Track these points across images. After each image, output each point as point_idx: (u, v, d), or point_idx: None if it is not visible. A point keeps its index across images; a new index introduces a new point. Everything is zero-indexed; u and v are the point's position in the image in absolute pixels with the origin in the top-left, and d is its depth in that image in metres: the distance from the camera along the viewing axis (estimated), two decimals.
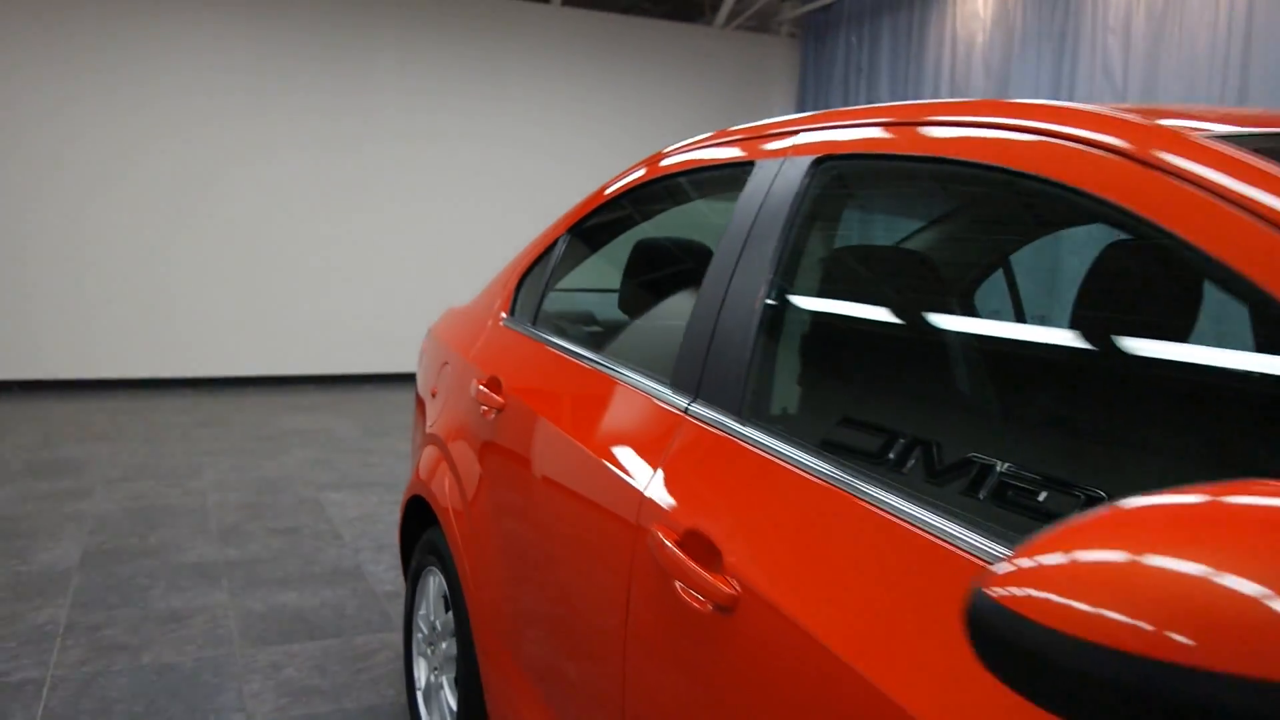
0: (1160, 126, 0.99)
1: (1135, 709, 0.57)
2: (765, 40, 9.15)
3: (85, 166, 7.06)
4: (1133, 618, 0.57)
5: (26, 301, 7.03)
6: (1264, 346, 0.83)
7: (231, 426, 6.33)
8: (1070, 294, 1.04)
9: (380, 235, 7.95)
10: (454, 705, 2.18)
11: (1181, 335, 0.98)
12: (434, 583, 2.35)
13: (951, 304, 1.36)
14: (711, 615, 1.19)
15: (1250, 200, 0.84)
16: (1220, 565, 0.55)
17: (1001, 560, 0.66)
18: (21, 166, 6.89)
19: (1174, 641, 0.55)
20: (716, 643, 1.17)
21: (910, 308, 1.29)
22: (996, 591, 0.63)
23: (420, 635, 2.46)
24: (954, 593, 0.91)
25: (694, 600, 1.21)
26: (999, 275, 1.47)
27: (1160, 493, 0.62)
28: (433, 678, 2.37)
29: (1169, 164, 0.93)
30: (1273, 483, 0.60)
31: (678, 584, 1.25)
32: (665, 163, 1.88)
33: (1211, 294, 0.92)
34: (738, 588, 1.15)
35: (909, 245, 1.54)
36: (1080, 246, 1.06)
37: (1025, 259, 1.39)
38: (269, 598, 3.47)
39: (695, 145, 1.81)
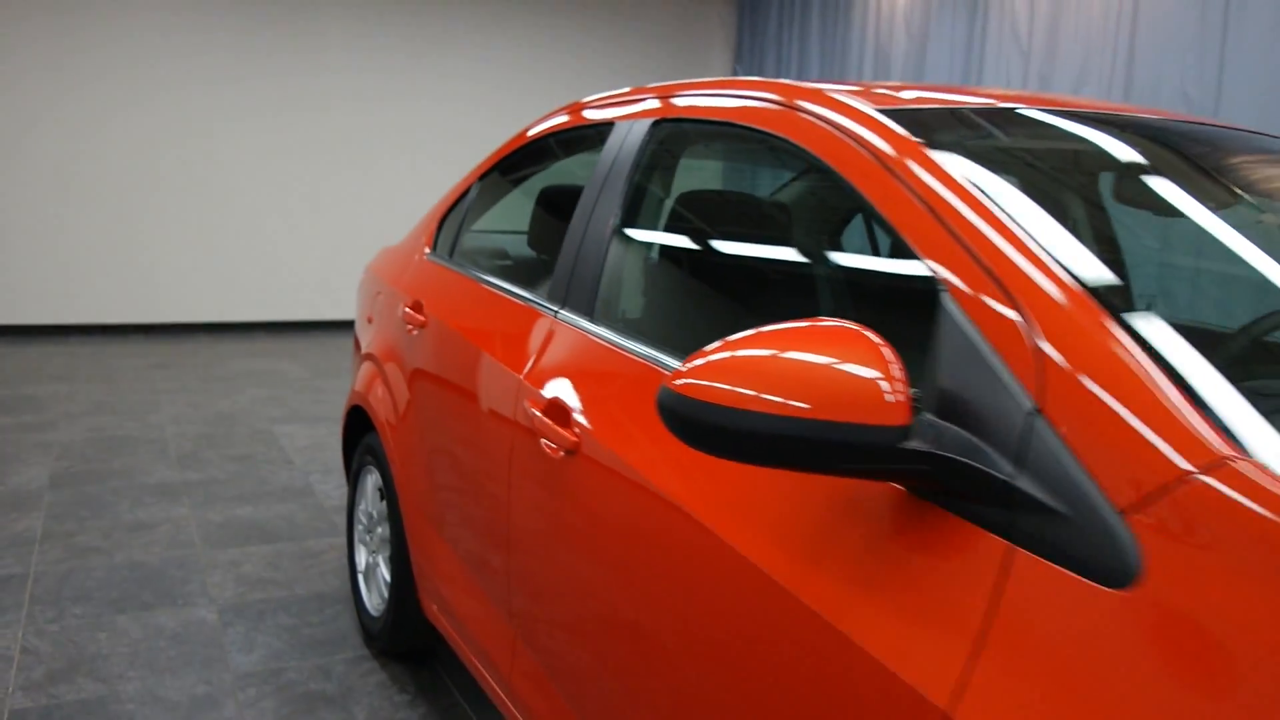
0: (808, 88, 1.43)
1: (774, 449, 0.99)
2: None
3: (50, 124, 7.22)
4: (764, 392, 0.99)
5: None
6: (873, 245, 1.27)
7: (185, 369, 6.64)
8: (781, 218, 1.47)
9: (329, 188, 8.21)
10: (388, 577, 2.61)
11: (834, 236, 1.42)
12: (371, 480, 2.76)
13: (731, 232, 1.79)
14: (562, 459, 1.62)
15: (849, 130, 1.28)
16: (829, 354, 0.98)
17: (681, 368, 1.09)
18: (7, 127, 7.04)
19: (793, 405, 0.97)
20: (566, 479, 1.61)
21: (705, 236, 1.72)
22: (677, 384, 1.06)
23: (360, 526, 2.88)
24: None
25: (550, 450, 1.65)
26: (752, 205, 1.90)
27: (780, 324, 1.05)
28: (370, 559, 2.80)
29: (807, 109, 1.37)
30: (836, 321, 1.04)
31: (542, 440, 1.69)
32: (553, 122, 2.28)
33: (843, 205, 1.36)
34: (579, 435, 1.58)
35: (706, 188, 1.96)
36: (780, 179, 1.50)
37: (761, 191, 1.82)
38: (226, 511, 3.86)
39: (575, 108, 2.22)
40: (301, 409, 5.64)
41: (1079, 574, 0.86)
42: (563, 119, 2.23)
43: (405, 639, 2.59)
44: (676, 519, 1.31)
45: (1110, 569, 0.84)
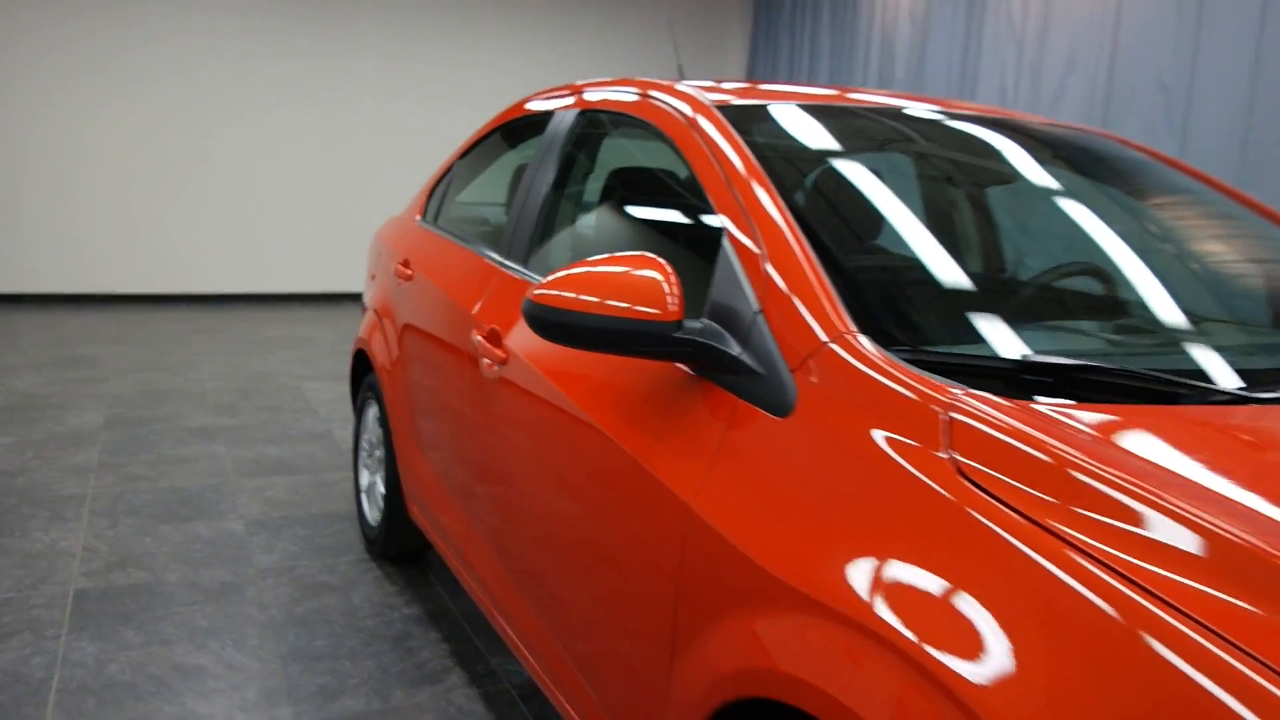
0: (664, 84, 1.90)
1: (595, 337, 1.46)
2: None
3: (107, 105, 7.85)
4: (593, 293, 1.46)
5: (38, 222, 7.88)
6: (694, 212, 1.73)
7: (224, 334, 7.24)
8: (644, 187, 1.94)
9: (363, 169, 8.77)
10: (383, 490, 3.13)
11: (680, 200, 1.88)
12: (371, 412, 3.28)
13: (623, 196, 2.24)
14: (496, 374, 2.11)
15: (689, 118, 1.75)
16: (630, 270, 1.45)
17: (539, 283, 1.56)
18: (40, 92, 7.68)
19: (606, 304, 1.45)
20: (500, 389, 2.10)
21: (607, 199, 2.20)
22: (534, 294, 1.54)
23: (364, 452, 3.41)
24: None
25: (487, 366, 2.14)
26: (634, 175, 2.34)
27: (603, 256, 1.53)
28: (370, 479, 3.32)
29: (660, 99, 1.84)
30: (639, 253, 1.51)
31: (482, 360, 2.18)
32: (517, 111, 2.77)
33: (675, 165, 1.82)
34: (508, 352, 2.07)
35: (609, 163, 2.41)
36: (653, 154, 1.97)
37: (642, 162, 2.27)
38: (256, 450, 4.42)
39: (530, 99, 2.70)
40: (328, 369, 6.20)
41: (766, 410, 1.34)
42: (522, 109, 2.72)
43: (396, 543, 3.11)
44: (560, 402, 1.80)
45: (781, 405, 1.32)
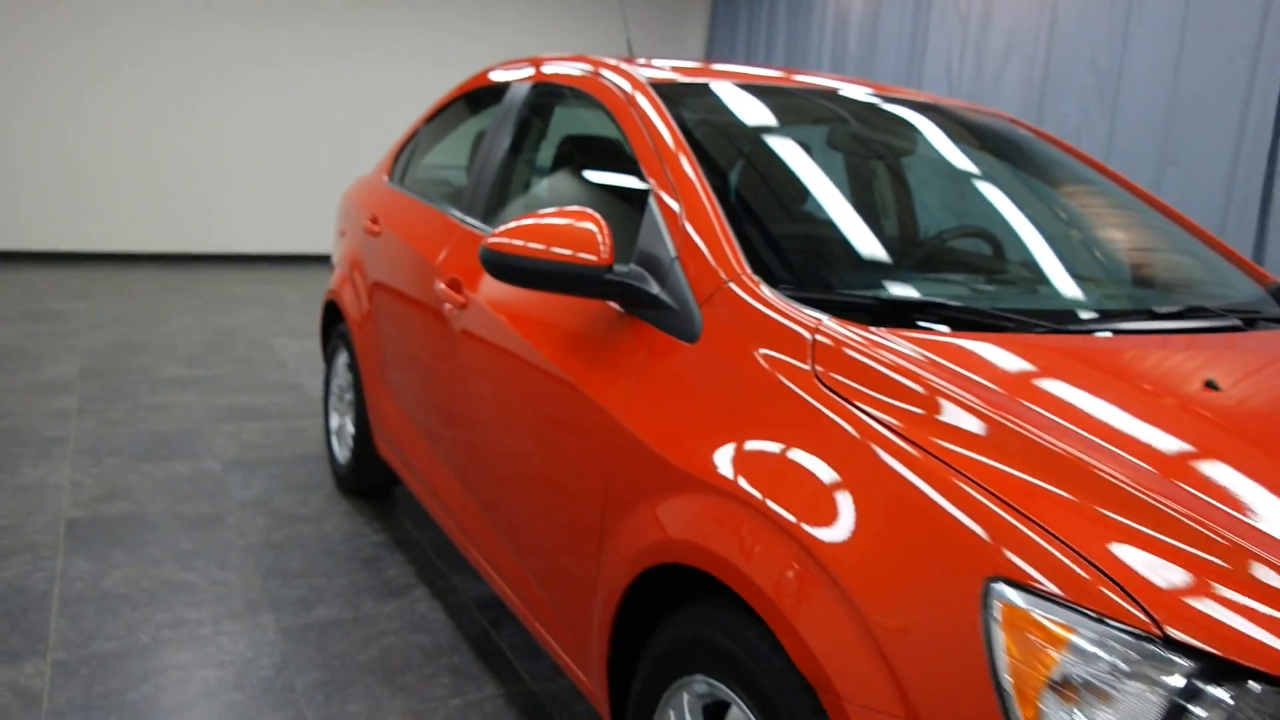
0: (610, 63, 2.17)
1: (540, 278, 1.74)
2: None
3: (71, 61, 7.91)
4: (538, 240, 1.74)
5: (6, 181, 7.95)
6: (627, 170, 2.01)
7: (192, 292, 7.40)
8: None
9: (330, 131, 8.90)
10: (352, 430, 3.40)
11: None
12: (341, 359, 3.54)
13: (569, 159, 2.51)
14: (456, 317, 2.39)
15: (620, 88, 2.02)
16: (570, 223, 1.73)
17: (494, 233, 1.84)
18: (11, 59, 7.72)
19: (549, 250, 1.73)
20: (460, 331, 2.38)
21: (558, 162, 2.47)
22: (489, 242, 1.81)
23: (334, 396, 3.67)
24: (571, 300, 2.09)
25: (449, 311, 2.42)
26: (580, 142, 2.61)
27: (547, 210, 1.81)
28: (340, 421, 3.59)
29: (605, 77, 2.11)
30: (577, 207, 1.79)
31: (445, 305, 2.45)
32: (477, 81, 3.02)
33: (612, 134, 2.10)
34: (467, 298, 2.35)
35: (558, 131, 2.67)
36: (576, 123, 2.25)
37: (566, 132, 2.54)
38: (228, 398, 4.65)
39: (490, 70, 2.95)
40: (296, 326, 6.41)
41: (679, 338, 1.63)
42: (483, 79, 2.98)
43: (365, 478, 3.38)
44: (511, 339, 2.08)
45: (690, 334, 1.61)
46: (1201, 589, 1.01)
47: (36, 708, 2.14)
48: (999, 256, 1.95)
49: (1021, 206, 2.12)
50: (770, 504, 1.31)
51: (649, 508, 1.55)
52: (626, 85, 2.14)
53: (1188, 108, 6.49)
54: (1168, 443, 1.22)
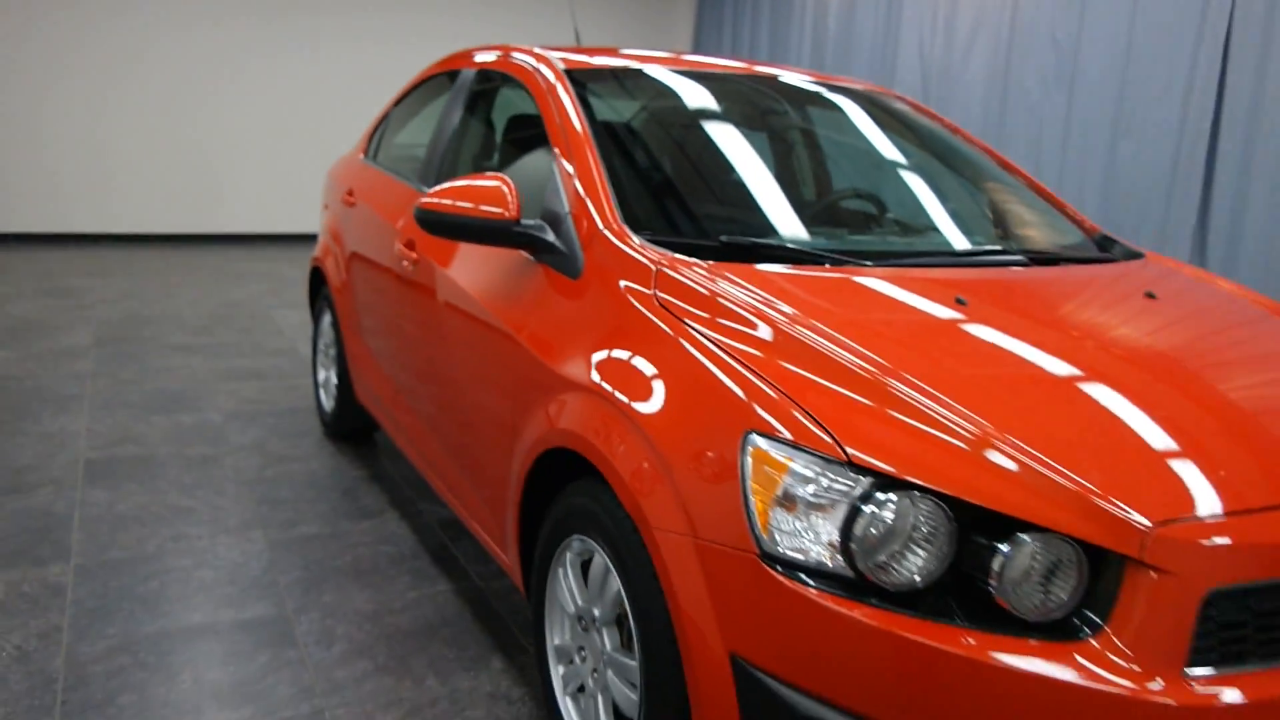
0: (510, 46, 2.57)
1: (464, 231, 2.14)
2: None
3: (81, 58, 8.32)
4: (462, 200, 2.14)
5: (18, 164, 8.39)
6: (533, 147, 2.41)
7: (198, 270, 7.84)
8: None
9: (331, 115, 9.31)
10: (335, 381, 3.82)
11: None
12: (326, 319, 3.96)
13: (507, 136, 2.90)
14: (412, 273, 2.79)
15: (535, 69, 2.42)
16: (486, 185, 2.13)
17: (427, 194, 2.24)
18: (25, 57, 8.15)
19: (468, 207, 2.13)
20: (415, 284, 2.78)
21: (494, 137, 2.86)
22: (422, 202, 2.22)
23: (320, 352, 4.09)
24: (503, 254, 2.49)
25: (405, 268, 2.82)
26: (509, 120, 2.99)
27: (470, 175, 2.20)
28: (325, 374, 4.01)
29: (522, 60, 2.51)
30: (492, 174, 2.19)
31: (404, 261, 2.86)
32: (438, 67, 3.42)
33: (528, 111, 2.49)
34: (420, 256, 2.75)
35: (494, 110, 3.05)
36: (508, 103, 2.64)
37: (502, 111, 2.92)
38: (231, 361, 5.09)
39: (445, 59, 3.35)
40: (295, 299, 6.84)
41: (567, 276, 2.04)
42: (438, 67, 3.37)
43: (347, 423, 3.81)
44: (449, 287, 2.49)
45: (575, 272, 2.02)
46: (880, 432, 1.41)
47: (62, 598, 2.57)
48: (836, 208, 2.36)
49: (875, 166, 2.51)
50: (616, 393, 1.72)
51: (542, 408, 1.95)
52: (545, 70, 2.53)
53: (1138, 81, 6.82)
54: (903, 340, 1.62)
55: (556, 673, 1.99)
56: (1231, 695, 1.30)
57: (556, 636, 1.98)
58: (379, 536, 3.07)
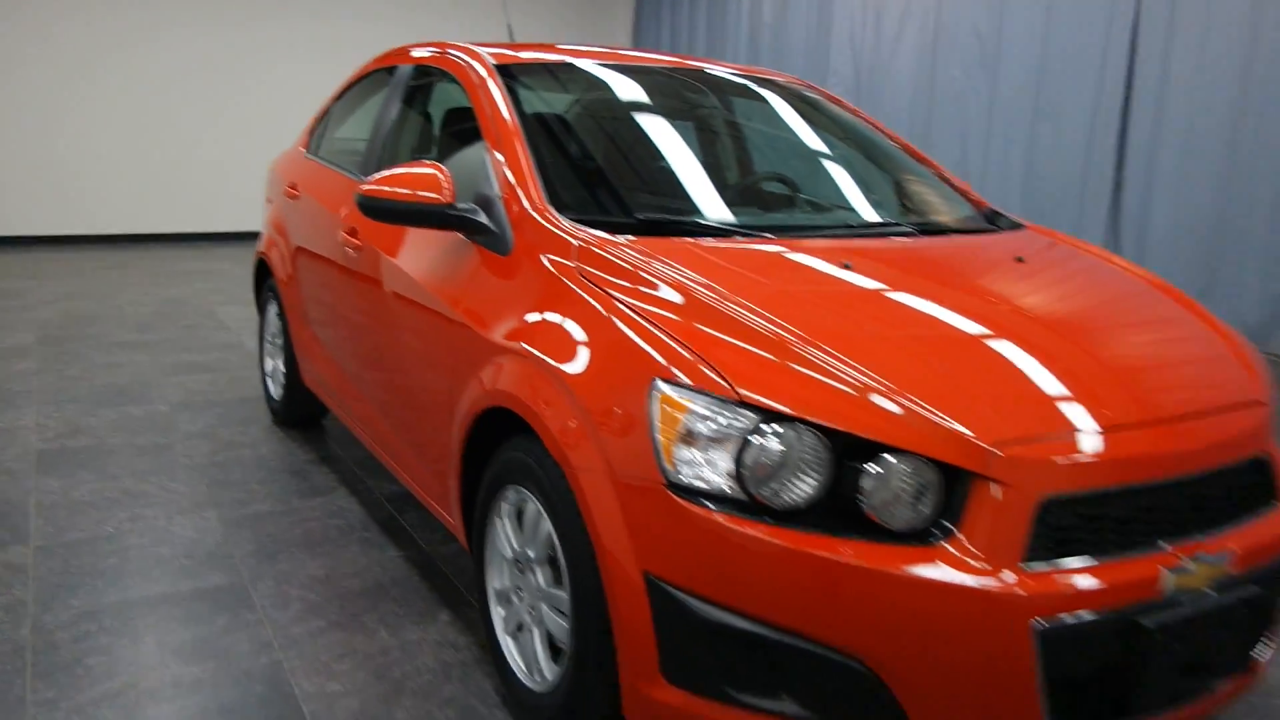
0: (445, 43, 2.76)
1: (403, 215, 2.31)
2: None
3: (16, 59, 8.25)
4: (400, 186, 2.32)
5: None
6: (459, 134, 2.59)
7: (138, 269, 7.84)
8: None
9: (269, 110, 9.33)
10: (283, 368, 3.96)
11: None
12: (272, 309, 4.09)
13: (442, 127, 3.07)
14: (355, 260, 2.95)
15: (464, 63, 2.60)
16: (422, 172, 2.30)
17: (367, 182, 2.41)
18: None
19: (406, 193, 2.31)
20: (359, 269, 2.94)
21: (424, 129, 3.03)
22: (362, 189, 2.38)
23: (267, 341, 4.22)
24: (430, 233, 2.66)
25: (349, 254, 2.98)
26: (444, 112, 3.16)
27: (407, 163, 2.38)
28: (272, 363, 4.14)
29: (456, 55, 2.69)
30: (429, 161, 2.37)
31: (347, 248, 3.02)
32: (379, 64, 3.57)
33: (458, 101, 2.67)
34: (362, 243, 2.91)
35: (429, 103, 3.22)
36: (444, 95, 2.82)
37: (438, 104, 3.10)
38: (176, 356, 5.17)
39: (383, 55, 3.50)
40: (238, 295, 6.90)
41: (498, 254, 2.22)
42: (376, 63, 3.53)
43: (295, 409, 3.94)
44: (391, 270, 2.66)
45: (505, 250, 2.21)
46: (767, 375, 1.63)
47: (24, 575, 2.70)
48: (745, 188, 2.59)
49: (786, 151, 2.74)
50: (543, 356, 1.91)
51: (476, 373, 2.14)
52: (476, 65, 2.71)
53: (1055, 68, 7.17)
54: (793, 299, 1.85)
55: (498, 615, 2.18)
56: (1059, 582, 1.54)
57: (496, 581, 2.17)
58: (329, 511, 3.22)
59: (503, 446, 2.09)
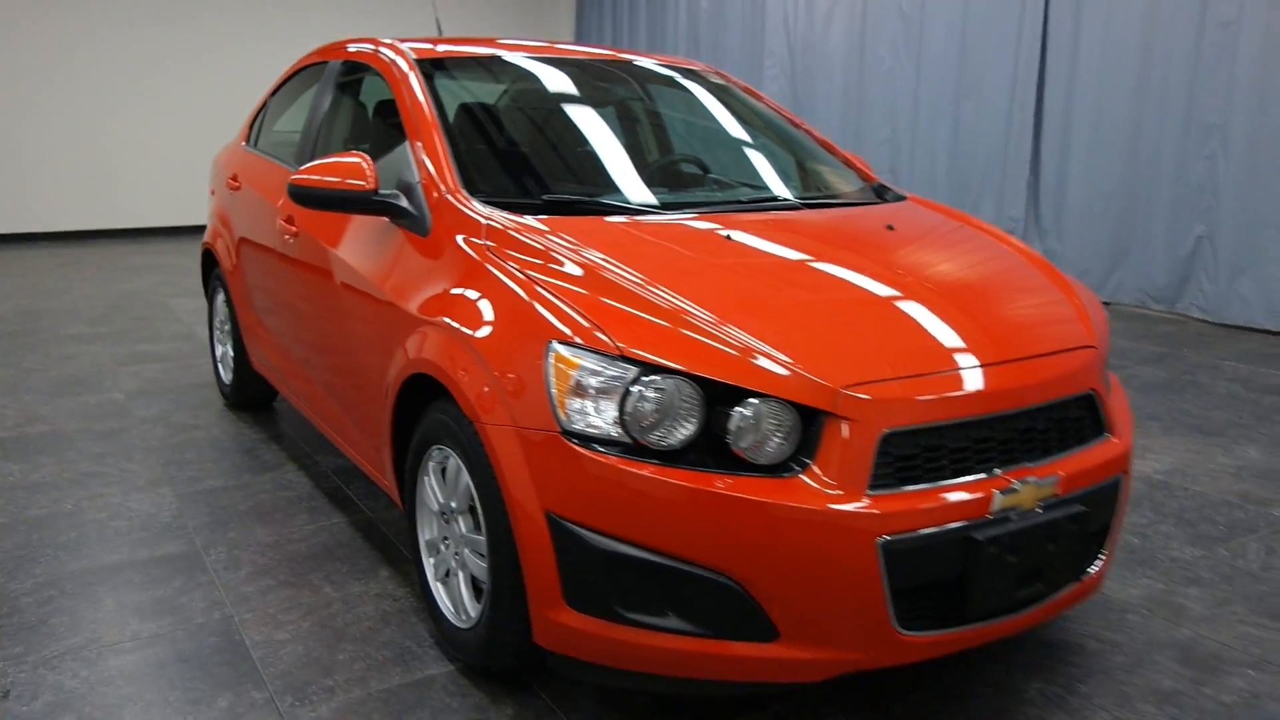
0: (374, 40, 2.95)
1: (331, 201, 2.51)
2: None
3: None
4: (328, 175, 2.51)
5: None
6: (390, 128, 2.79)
7: (89, 264, 7.91)
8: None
9: (218, 110, 9.38)
10: (232, 353, 4.13)
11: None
12: (220, 296, 4.25)
13: (368, 118, 3.26)
14: (292, 246, 3.14)
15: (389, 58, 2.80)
16: (346, 162, 2.49)
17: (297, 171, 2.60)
18: None
19: (332, 181, 2.50)
20: (296, 255, 3.13)
21: (353, 120, 3.22)
22: (292, 179, 2.57)
23: (216, 329, 4.38)
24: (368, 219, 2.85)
25: (286, 240, 3.16)
26: (371, 104, 3.36)
27: (338, 153, 2.57)
28: (222, 349, 4.31)
29: (383, 53, 2.89)
30: (354, 151, 2.56)
31: (285, 236, 3.20)
32: (312, 59, 3.74)
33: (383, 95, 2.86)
34: (299, 230, 3.10)
35: (358, 96, 3.40)
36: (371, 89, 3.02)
37: (367, 97, 3.30)
38: (129, 347, 5.30)
39: (316, 51, 3.67)
40: (191, 288, 7.01)
41: (418, 235, 2.43)
42: (309, 58, 3.70)
43: (245, 392, 4.12)
44: (325, 254, 2.85)
45: (424, 231, 2.41)
46: (648, 333, 1.86)
47: None
48: (649, 169, 2.82)
49: (689, 133, 2.97)
50: (457, 325, 2.13)
51: (402, 345, 2.35)
52: (400, 60, 2.91)
53: (975, 49, 7.46)
54: (675, 265, 2.07)
55: (428, 564, 2.40)
56: (900, 504, 1.79)
57: (426, 533, 2.39)
58: (278, 484, 3.42)
59: (427, 411, 2.30)
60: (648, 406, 1.81)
